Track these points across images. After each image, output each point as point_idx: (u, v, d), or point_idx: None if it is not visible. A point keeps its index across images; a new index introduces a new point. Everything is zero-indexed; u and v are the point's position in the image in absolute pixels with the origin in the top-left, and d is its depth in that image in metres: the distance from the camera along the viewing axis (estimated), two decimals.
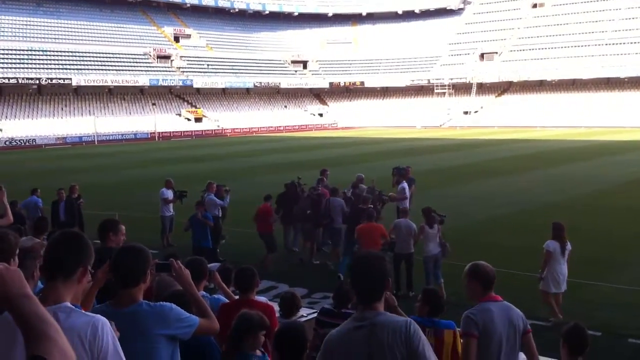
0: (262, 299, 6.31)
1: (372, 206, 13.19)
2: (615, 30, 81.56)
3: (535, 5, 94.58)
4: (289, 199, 15.02)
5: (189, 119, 77.95)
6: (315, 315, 6.60)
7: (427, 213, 11.71)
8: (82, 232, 3.03)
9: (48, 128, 65.73)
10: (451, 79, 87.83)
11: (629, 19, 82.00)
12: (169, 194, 16.21)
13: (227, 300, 6.00)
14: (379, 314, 3.18)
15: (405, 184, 16.27)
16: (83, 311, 2.78)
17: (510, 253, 14.04)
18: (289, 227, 15.14)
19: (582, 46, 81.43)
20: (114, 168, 36.98)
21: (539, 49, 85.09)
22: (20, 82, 67.48)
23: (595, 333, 9.30)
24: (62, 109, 71.24)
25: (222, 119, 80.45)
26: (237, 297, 6.00)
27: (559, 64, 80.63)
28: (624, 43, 79.00)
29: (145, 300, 3.61)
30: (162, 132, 70.34)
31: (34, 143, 61.60)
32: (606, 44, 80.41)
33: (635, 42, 78.09)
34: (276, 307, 6.13)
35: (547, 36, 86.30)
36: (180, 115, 78.66)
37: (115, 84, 74.89)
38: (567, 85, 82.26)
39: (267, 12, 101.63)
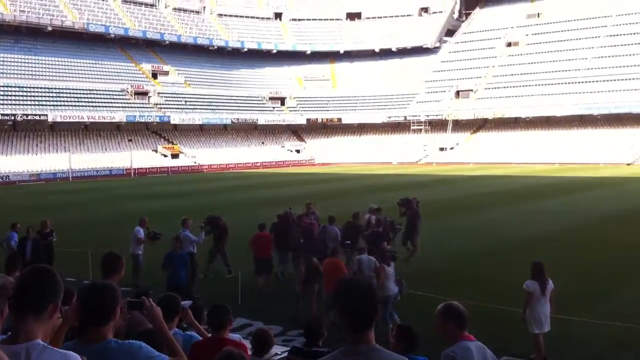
0: (235, 336, 6.22)
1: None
2: (589, 69, 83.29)
3: (509, 44, 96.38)
4: (282, 227, 15.55)
5: (165, 155, 77.72)
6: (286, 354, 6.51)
7: (381, 252, 11.64)
8: (51, 268, 2.97)
9: (22, 164, 65.11)
10: (427, 115, 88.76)
11: (602, 57, 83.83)
12: (142, 233, 15.79)
13: (200, 338, 5.91)
14: (373, 350, 2.99)
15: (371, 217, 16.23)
16: (55, 348, 2.73)
17: (486, 286, 14.05)
18: (284, 254, 15.58)
19: (555, 84, 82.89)
20: (86, 205, 36.62)
21: (514, 86, 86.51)
22: None
23: None
24: (37, 145, 70.67)
25: (198, 155, 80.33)
26: (209, 334, 5.91)
27: (533, 101, 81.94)
28: (597, 81, 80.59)
29: (114, 339, 3.53)
30: (138, 168, 70.00)
31: (8, 180, 60.89)
32: (579, 82, 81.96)
33: (607, 80, 79.70)
34: (248, 344, 6.04)
35: (521, 74, 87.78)
36: (156, 151, 78.39)
37: (92, 120, 74.53)
38: (541, 122, 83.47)
39: (245, 49, 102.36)
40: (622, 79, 79.02)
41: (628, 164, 67.75)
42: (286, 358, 6.18)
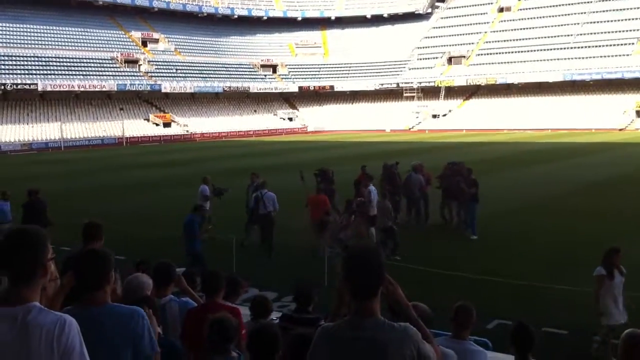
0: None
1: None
2: (581, 34, 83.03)
3: (502, 10, 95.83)
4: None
5: (157, 124, 77.39)
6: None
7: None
8: (29, 229, 2.91)
9: (13, 134, 64.75)
10: (420, 82, 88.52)
11: (595, 22, 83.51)
12: (208, 190, 16.79)
13: (194, 304, 5.97)
14: (380, 326, 2.90)
15: (371, 188, 16.25)
16: (51, 311, 2.82)
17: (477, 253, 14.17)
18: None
19: (548, 49, 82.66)
20: (79, 174, 36.56)
21: (506, 52, 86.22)
22: None
23: (561, 331, 9.46)
24: (27, 114, 70.17)
25: (190, 123, 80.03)
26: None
27: (526, 67, 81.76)
28: (590, 47, 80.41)
29: (111, 303, 3.59)
30: (129, 138, 69.75)
31: None
32: (572, 48, 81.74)
33: (600, 46, 79.53)
34: (245, 310, 6.11)
35: (513, 40, 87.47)
36: (148, 120, 78.02)
37: (82, 89, 73.93)
38: (533, 88, 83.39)
39: (235, 16, 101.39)
40: (614, 45, 78.85)
41: (620, 130, 67.98)
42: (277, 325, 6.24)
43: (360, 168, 19.20)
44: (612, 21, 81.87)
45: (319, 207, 15.26)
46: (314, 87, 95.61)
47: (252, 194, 16.20)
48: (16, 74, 70.00)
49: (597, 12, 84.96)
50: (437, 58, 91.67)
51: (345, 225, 14.18)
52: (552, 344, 8.85)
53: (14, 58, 72.04)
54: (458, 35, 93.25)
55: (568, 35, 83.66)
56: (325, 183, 17.67)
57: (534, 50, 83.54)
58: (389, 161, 19.74)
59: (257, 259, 14.67)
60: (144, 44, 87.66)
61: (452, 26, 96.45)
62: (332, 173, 18.40)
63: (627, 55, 76.53)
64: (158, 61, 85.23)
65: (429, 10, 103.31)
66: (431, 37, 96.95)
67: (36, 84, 69.39)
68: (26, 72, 71.09)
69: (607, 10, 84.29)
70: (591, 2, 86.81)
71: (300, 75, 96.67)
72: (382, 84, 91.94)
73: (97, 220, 5.96)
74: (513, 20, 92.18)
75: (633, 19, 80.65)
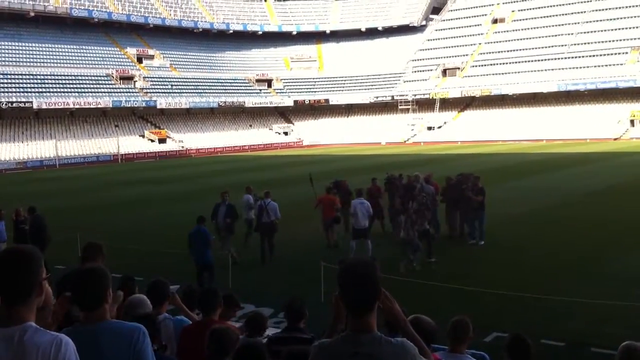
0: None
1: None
2: (575, 44, 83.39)
3: (496, 21, 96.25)
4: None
5: (152, 140, 77.41)
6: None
7: None
8: (20, 248, 2.92)
9: (8, 153, 64.71)
10: (414, 95, 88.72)
11: (588, 32, 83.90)
12: (252, 199, 17.54)
13: (189, 322, 5.95)
14: (376, 341, 2.86)
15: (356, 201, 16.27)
16: (47, 331, 2.81)
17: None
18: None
19: (542, 60, 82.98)
20: (74, 192, 36.51)
21: (500, 63, 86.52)
22: None
23: (558, 344, 9.43)
24: (22, 132, 70.17)
25: (186, 139, 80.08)
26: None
27: (520, 78, 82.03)
28: (584, 56, 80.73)
29: (110, 320, 3.56)
30: (125, 154, 69.74)
31: None
32: (566, 58, 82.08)
33: (594, 56, 79.86)
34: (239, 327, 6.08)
35: (508, 51, 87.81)
36: (143, 136, 78.05)
37: (78, 107, 73.97)
38: (528, 99, 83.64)
39: (231, 31, 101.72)
40: (608, 54, 79.20)
41: (615, 139, 68.17)
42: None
43: (371, 180, 19.51)
44: (605, 31, 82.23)
45: (330, 206, 17.38)
46: (309, 100, 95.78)
47: (222, 211, 16.43)
48: (11, 92, 70.05)
49: (590, 22, 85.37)
50: (431, 70, 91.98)
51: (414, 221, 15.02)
52: (550, 356, 8.82)
53: (8, 76, 72.10)
54: (452, 47, 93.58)
55: (562, 46, 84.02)
56: (341, 194, 18.49)
57: (529, 61, 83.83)
58: (393, 173, 20.51)
59: (253, 274, 14.63)
60: (139, 60, 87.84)
61: (446, 38, 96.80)
62: (346, 184, 19.53)
63: (621, 64, 76.86)
64: (153, 77, 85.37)
65: (424, 23, 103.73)
66: (426, 49, 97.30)
67: (31, 102, 69.40)
68: (21, 90, 71.14)
69: (600, 20, 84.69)
70: (585, 12, 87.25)
71: (295, 89, 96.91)
72: (377, 97, 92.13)
73: (97, 241, 5.94)
74: (507, 31, 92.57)
75: (626, 29, 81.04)
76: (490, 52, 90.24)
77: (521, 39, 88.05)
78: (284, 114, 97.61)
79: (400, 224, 16.66)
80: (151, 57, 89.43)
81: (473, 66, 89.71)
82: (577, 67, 79.48)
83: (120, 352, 3.44)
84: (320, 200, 17.79)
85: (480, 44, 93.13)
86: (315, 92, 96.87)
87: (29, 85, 72.53)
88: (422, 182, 18.17)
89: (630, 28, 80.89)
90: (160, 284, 5.98)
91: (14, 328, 2.73)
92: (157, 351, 4.11)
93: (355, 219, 15.59)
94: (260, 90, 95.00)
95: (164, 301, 5.91)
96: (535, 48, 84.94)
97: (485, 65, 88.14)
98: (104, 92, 77.76)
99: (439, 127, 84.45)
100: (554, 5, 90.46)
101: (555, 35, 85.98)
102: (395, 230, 17.69)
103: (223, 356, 4.44)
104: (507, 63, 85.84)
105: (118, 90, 79.54)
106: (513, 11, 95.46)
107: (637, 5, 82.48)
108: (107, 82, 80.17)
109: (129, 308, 5.21)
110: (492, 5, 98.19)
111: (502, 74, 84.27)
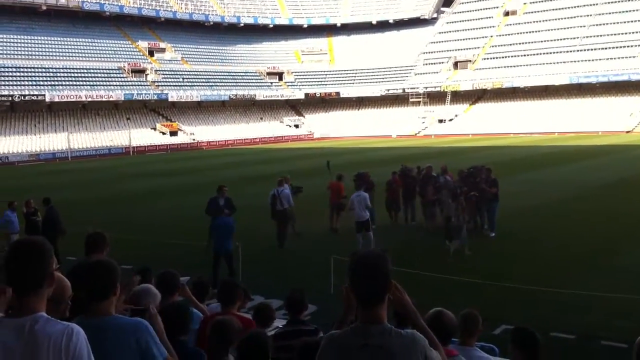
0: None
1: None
2: (587, 37, 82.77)
3: (507, 13, 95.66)
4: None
5: (164, 133, 77.63)
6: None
7: None
8: (35, 240, 2.96)
9: (21, 145, 65.08)
10: (426, 87, 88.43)
11: (600, 24, 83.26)
12: (289, 190, 17.69)
13: (199, 314, 5.95)
14: (386, 332, 2.86)
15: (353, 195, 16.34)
16: (58, 320, 2.84)
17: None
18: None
19: (554, 53, 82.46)
20: (86, 184, 36.69)
21: (512, 56, 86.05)
22: None
23: (568, 336, 9.41)
24: (35, 125, 70.53)
25: (197, 132, 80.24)
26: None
27: (532, 71, 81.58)
28: (595, 49, 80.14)
29: (117, 314, 3.63)
30: (136, 147, 69.99)
31: (7, 160, 60.88)
32: (578, 50, 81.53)
33: (606, 48, 79.27)
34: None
35: (519, 43, 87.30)
36: (155, 129, 78.28)
37: (90, 100, 74.31)
38: (540, 91, 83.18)
39: (242, 24, 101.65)
40: (620, 47, 78.60)
41: (627, 132, 67.73)
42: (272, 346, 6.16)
43: (392, 173, 19.97)
44: (617, 23, 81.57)
45: (338, 192, 18.35)
46: (320, 93, 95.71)
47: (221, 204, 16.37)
48: (24, 85, 70.40)
49: (602, 14, 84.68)
50: (443, 63, 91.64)
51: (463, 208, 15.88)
52: (560, 348, 8.80)
53: (21, 70, 72.46)
54: (464, 39, 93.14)
55: (574, 38, 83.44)
56: (365, 186, 18.40)
57: (540, 54, 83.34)
58: (410, 165, 21.40)
59: (262, 266, 14.67)
60: (151, 53, 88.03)
61: (457, 31, 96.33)
62: (368, 175, 19.75)
63: (633, 57, 76.24)
64: (165, 70, 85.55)
65: (435, 15, 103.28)
66: (437, 42, 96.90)
67: (44, 95, 69.75)
68: (34, 83, 71.49)
69: (612, 13, 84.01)
70: (597, 4, 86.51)
71: (306, 82, 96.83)
72: (388, 90, 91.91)
73: (101, 231, 5.96)
74: (519, 23, 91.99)
75: (639, 21, 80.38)
76: (501, 45, 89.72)
77: (533, 32, 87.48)
78: (295, 106, 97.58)
79: (434, 215, 17.93)
80: (163, 50, 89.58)
81: (484, 59, 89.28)
82: (589, 60, 78.93)
83: (123, 348, 3.50)
84: (330, 186, 18.89)
85: (491, 36, 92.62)
86: (326, 85, 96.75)
87: (41, 79, 72.85)
88: (441, 173, 18.42)
89: None
90: (169, 275, 5.96)
91: (25, 318, 2.77)
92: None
93: (354, 212, 15.58)
94: (272, 83, 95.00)
95: (174, 292, 5.91)
96: (547, 40, 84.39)
97: (496, 57, 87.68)
98: (116, 85, 78.03)
99: (450, 120, 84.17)
100: None
101: (567, 28, 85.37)
102: (428, 221, 18.26)
103: (226, 347, 4.46)
104: (518, 56, 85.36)
105: (130, 83, 79.77)
106: (525, 3, 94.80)
107: None
108: (119, 75, 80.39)
109: (134, 302, 5.21)
110: None
111: (514, 66, 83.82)
